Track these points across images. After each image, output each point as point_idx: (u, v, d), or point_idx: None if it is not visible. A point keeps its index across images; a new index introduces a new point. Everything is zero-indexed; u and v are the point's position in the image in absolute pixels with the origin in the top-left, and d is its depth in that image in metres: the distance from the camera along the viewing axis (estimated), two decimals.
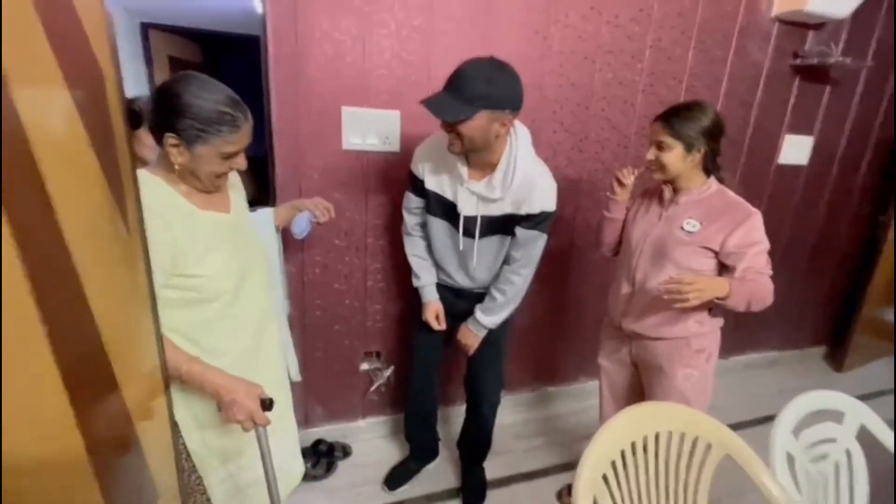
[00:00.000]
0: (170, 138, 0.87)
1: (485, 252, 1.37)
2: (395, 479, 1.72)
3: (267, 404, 0.98)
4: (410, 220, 1.45)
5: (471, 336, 1.46)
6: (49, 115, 0.49)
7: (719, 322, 1.39)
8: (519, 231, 1.32)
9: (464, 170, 1.28)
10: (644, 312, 1.38)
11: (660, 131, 1.27)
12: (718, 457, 1.04)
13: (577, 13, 1.67)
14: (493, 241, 1.36)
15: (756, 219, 1.25)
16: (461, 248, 1.36)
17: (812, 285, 2.58)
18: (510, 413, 2.08)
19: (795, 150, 2.24)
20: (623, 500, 0.98)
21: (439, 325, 1.48)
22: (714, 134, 1.27)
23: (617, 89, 1.83)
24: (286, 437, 1.22)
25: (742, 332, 2.54)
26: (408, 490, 1.71)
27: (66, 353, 0.46)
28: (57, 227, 0.47)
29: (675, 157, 1.26)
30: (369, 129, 1.55)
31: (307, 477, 1.68)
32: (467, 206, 1.31)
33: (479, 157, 1.25)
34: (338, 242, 1.66)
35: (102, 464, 0.53)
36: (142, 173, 0.90)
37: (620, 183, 1.40)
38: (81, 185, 0.54)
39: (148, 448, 0.67)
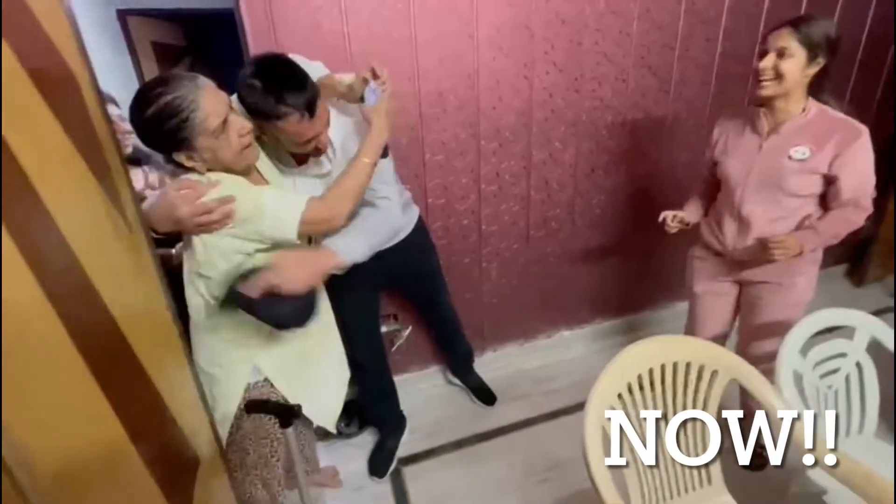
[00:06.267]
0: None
1: None
2: (378, 465, 1.69)
3: (294, 411, 1.01)
4: None
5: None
6: (29, 126, 0.51)
7: None
8: None
9: None
10: (758, 242, 1.35)
11: (784, 36, 1.19)
12: (724, 381, 1.08)
13: None
14: None
15: (866, 136, 1.22)
16: None
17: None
18: (529, 359, 2.15)
19: None
20: (632, 430, 1.03)
21: None
22: (835, 48, 1.22)
23: (610, 19, 1.73)
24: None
25: None
26: (430, 440, 1.81)
27: (86, 342, 0.50)
28: (59, 233, 0.50)
29: (796, 65, 1.19)
30: None
31: (342, 435, 1.80)
32: None
33: None
34: None
35: (140, 439, 0.59)
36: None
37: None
38: (75, 190, 0.56)
39: (183, 422, 0.73)
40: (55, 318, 0.47)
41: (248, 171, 1.04)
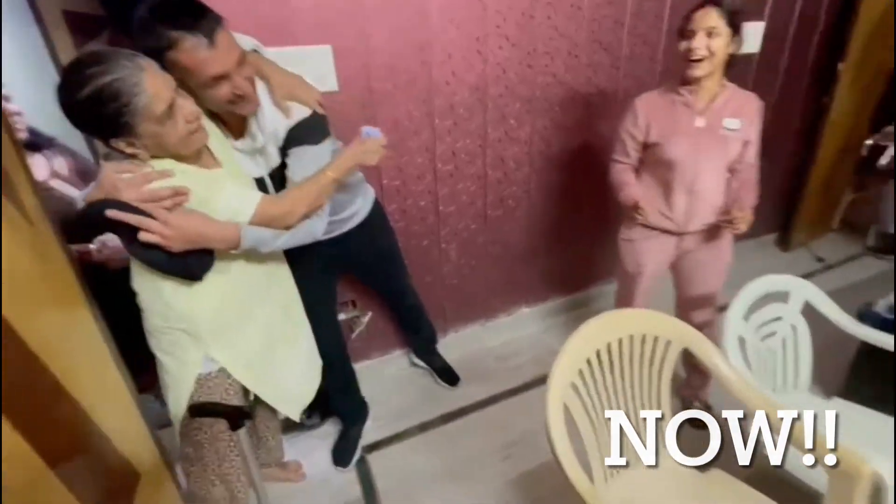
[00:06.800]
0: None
1: None
2: (342, 455, 1.67)
3: (244, 412, 0.97)
4: None
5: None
6: None
7: None
8: None
9: None
10: (709, 211, 1.43)
11: (712, 16, 1.25)
12: (677, 350, 1.12)
13: None
14: None
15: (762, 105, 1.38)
16: None
17: (765, 176, 2.65)
18: (490, 337, 2.17)
19: (747, 37, 2.19)
20: (593, 404, 1.06)
21: None
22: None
23: None
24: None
25: None
26: (395, 425, 1.80)
27: None
28: None
29: (723, 43, 1.26)
30: (300, 71, 1.42)
31: (303, 427, 1.75)
32: None
33: None
34: None
35: (60, 463, 0.52)
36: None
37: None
38: None
39: (116, 436, 0.66)
40: None
41: (196, 156, 0.96)
